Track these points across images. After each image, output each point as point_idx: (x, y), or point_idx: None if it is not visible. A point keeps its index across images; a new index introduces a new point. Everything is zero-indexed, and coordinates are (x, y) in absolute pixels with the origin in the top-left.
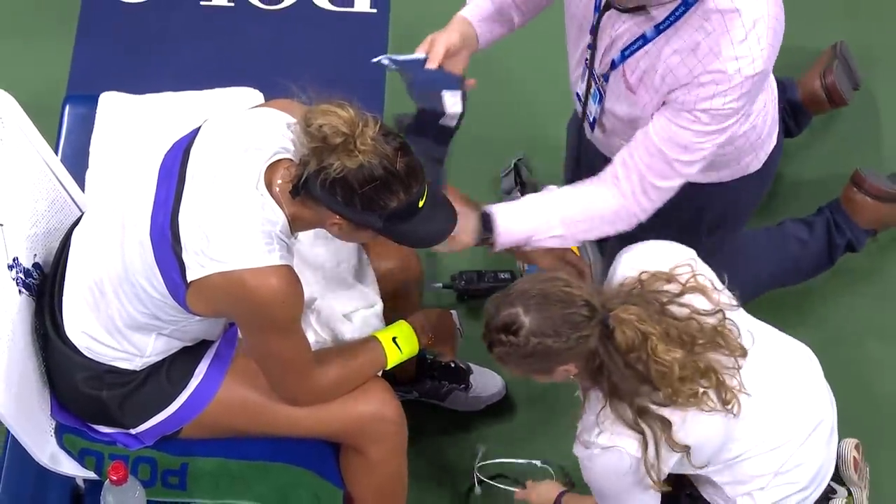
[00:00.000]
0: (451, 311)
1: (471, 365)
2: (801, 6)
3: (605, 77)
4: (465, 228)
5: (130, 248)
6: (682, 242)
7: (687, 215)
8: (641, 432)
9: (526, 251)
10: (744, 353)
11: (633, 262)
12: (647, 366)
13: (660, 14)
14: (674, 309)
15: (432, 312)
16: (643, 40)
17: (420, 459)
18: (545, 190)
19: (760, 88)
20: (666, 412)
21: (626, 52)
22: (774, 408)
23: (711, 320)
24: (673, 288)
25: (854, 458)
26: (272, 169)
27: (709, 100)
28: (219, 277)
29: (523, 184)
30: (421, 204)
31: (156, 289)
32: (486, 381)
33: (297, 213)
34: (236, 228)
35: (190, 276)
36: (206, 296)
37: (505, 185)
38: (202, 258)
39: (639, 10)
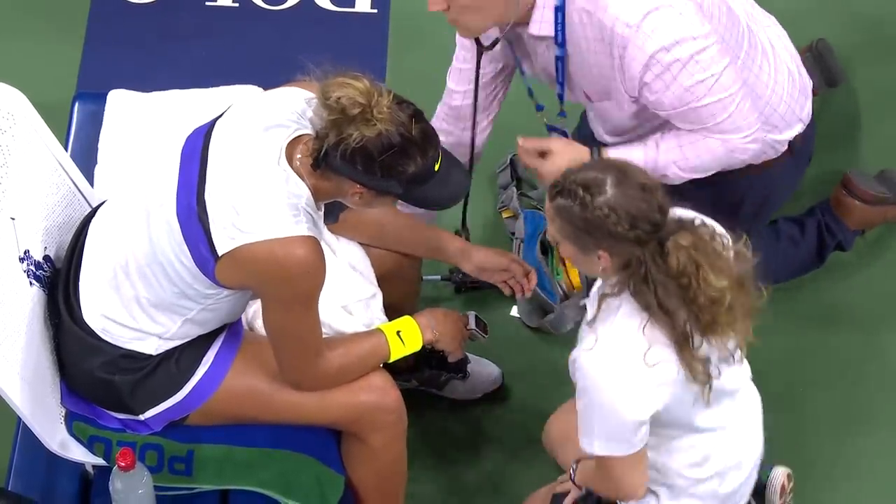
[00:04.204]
0: (470, 313)
1: (468, 354)
2: (788, 7)
3: (563, 114)
4: (579, 156)
5: (157, 229)
6: None
7: (726, 208)
8: (684, 350)
9: (463, 249)
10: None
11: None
12: (694, 293)
13: (545, 30)
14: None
15: (438, 311)
16: (560, 61)
17: (419, 447)
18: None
19: (680, 14)
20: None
21: (560, 79)
22: (724, 403)
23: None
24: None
25: (783, 485)
26: (292, 145)
27: (635, 61)
28: (248, 248)
29: (519, 179)
30: (437, 167)
31: (185, 266)
32: (483, 371)
33: (318, 186)
34: (264, 201)
35: (220, 250)
36: (236, 267)
37: (501, 181)
38: (232, 230)
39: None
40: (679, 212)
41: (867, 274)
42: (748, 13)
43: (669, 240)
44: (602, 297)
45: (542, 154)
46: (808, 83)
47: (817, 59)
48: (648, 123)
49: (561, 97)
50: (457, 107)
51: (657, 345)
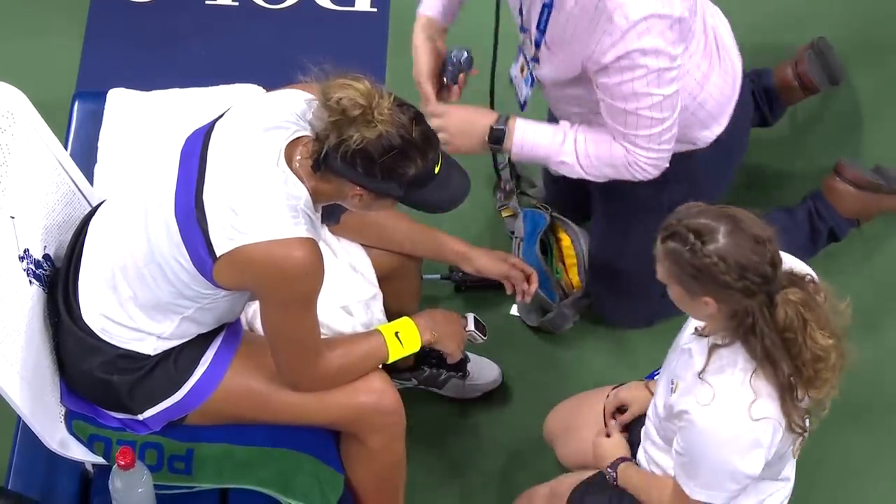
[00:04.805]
0: (469, 315)
1: (468, 353)
2: (787, 5)
3: (536, 59)
4: (480, 121)
5: (155, 229)
6: (647, 220)
7: (650, 189)
8: (786, 402)
9: (465, 252)
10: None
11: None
12: (799, 348)
13: None
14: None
15: (437, 312)
16: (547, 9)
17: (418, 446)
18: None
19: (671, 27)
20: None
21: (542, 27)
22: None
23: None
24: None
25: None
26: (291, 146)
27: (612, 49)
28: (246, 249)
29: (519, 177)
30: (437, 170)
31: (183, 267)
32: (483, 370)
33: (318, 188)
34: (263, 202)
35: (218, 251)
36: (234, 268)
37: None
38: (231, 232)
39: None
40: (792, 264)
41: (865, 268)
42: (701, 3)
43: (779, 293)
44: (713, 348)
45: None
46: (740, 73)
47: (818, 56)
48: (577, 91)
49: (538, 44)
50: None
51: (763, 397)
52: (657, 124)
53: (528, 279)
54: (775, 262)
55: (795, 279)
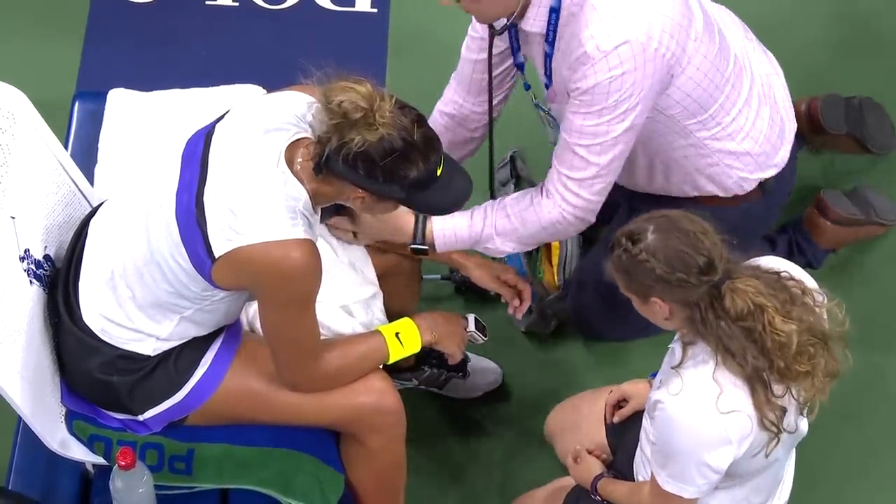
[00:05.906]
0: (469, 315)
1: (468, 353)
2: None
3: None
4: (401, 227)
5: (156, 230)
6: None
7: None
8: (756, 394)
9: (460, 262)
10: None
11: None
12: (762, 336)
13: (536, 27)
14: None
15: (438, 313)
16: (549, 59)
17: (419, 446)
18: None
19: (645, 60)
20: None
21: (548, 75)
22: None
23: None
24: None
25: None
26: (292, 148)
27: (582, 80)
28: (245, 250)
29: (518, 176)
30: (439, 172)
31: (182, 267)
32: (483, 369)
33: (319, 190)
34: (261, 203)
35: (217, 252)
36: (232, 268)
37: (500, 177)
38: (229, 233)
39: (508, 28)
40: (768, 263)
41: (838, 292)
42: (743, 52)
43: (726, 283)
44: (685, 346)
45: None
46: (792, 128)
47: (850, 106)
48: None
49: (548, 94)
50: (467, 76)
51: (729, 389)
52: (592, 167)
53: (520, 295)
54: (712, 255)
55: (759, 273)
